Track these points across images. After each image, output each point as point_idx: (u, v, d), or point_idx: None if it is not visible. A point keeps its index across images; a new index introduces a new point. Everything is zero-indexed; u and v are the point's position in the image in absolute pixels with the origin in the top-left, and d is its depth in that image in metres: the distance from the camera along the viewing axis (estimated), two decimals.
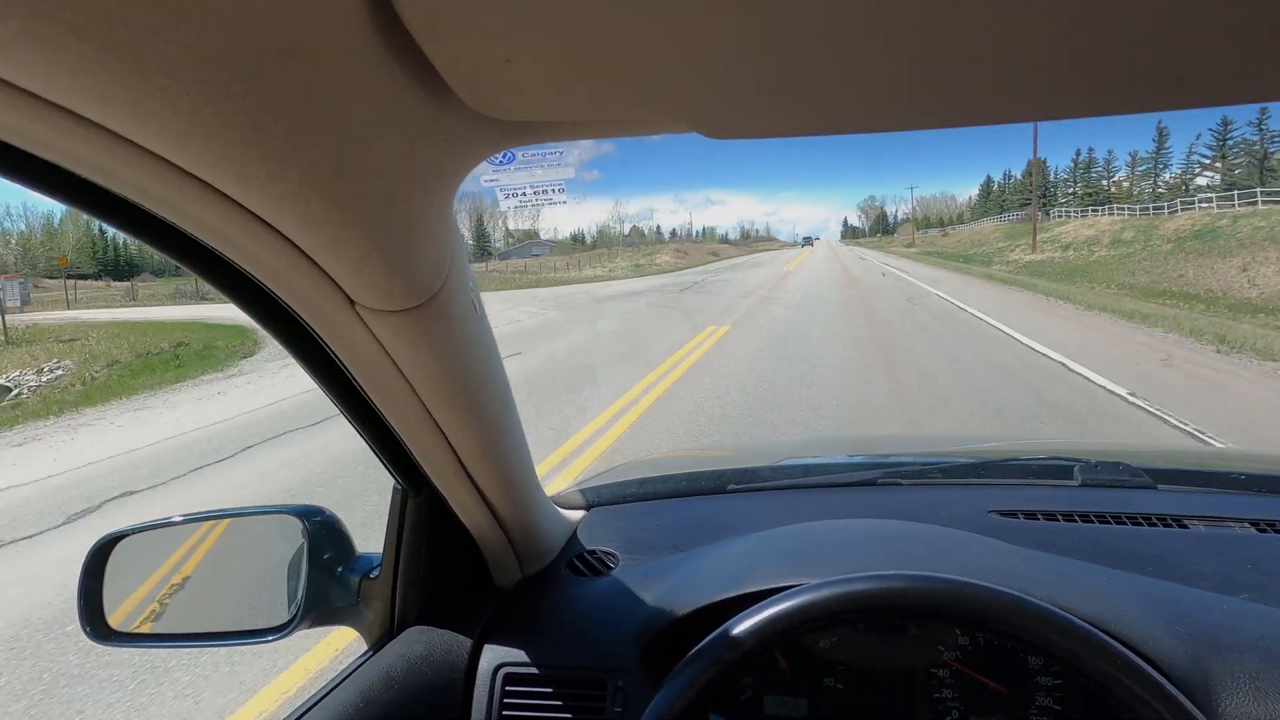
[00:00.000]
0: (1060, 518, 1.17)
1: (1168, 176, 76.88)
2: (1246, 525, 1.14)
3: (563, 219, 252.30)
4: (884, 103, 0.41)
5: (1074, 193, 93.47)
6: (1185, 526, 1.14)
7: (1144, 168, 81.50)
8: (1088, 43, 0.34)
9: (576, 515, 1.27)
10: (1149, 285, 25.96)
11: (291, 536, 0.92)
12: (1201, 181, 64.12)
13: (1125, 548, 1.07)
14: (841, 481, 1.40)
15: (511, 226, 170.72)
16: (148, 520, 0.95)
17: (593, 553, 1.15)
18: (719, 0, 0.32)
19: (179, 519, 0.96)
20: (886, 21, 0.33)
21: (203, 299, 35.24)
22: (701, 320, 13.53)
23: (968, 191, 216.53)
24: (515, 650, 0.95)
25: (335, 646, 3.03)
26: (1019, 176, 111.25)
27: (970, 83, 0.39)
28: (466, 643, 0.95)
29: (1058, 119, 0.43)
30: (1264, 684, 0.74)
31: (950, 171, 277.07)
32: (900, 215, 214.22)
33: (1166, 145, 78.38)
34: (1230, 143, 62.75)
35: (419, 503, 0.92)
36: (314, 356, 0.66)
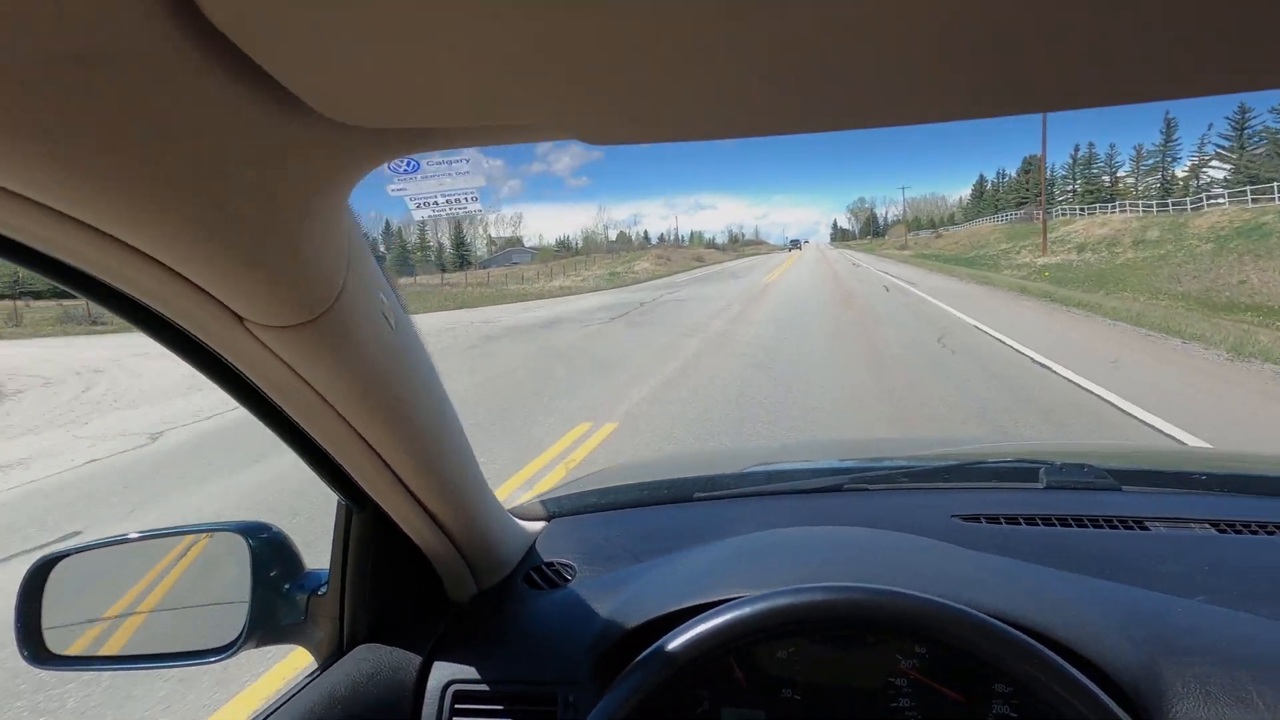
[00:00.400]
0: (1023, 521, 1.16)
1: (1178, 170, 72.41)
2: (1207, 526, 1.14)
3: (548, 225, 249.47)
4: (763, 106, 0.41)
5: (1073, 190, 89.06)
6: (1146, 528, 1.14)
7: (1150, 161, 77.06)
8: (964, 47, 0.34)
9: (536, 527, 1.25)
10: (1204, 294, 21.41)
11: (238, 554, 0.90)
12: (1217, 174, 59.64)
13: (1086, 550, 1.06)
14: (807, 488, 1.37)
15: (495, 234, 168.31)
16: (88, 541, 0.95)
17: (550, 565, 1.13)
18: (570, 4, 0.31)
19: (120, 539, 0.95)
20: (760, 25, 0.32)
21: (94, 323, 30.29)
22: (581, 404, 7.34)
23: (958, 192, 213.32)
24: (466, 666, 0.93)
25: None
26: (1014, 174, 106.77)
27: (824, 88, 0.38)
28: (416, 660, 0.94)
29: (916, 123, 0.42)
30: (1214, 688, 0.74)
31: (940, 172, 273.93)
32: (890, 217, 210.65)
33: (1175, 137, 73.86)
34: (1248, 131, 58.30)
35: (364, 518, 0.90)
36: (224, 375, 0.63)
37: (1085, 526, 1.15)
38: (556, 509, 1.33)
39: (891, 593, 0.73)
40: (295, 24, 0.33)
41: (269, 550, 0.90)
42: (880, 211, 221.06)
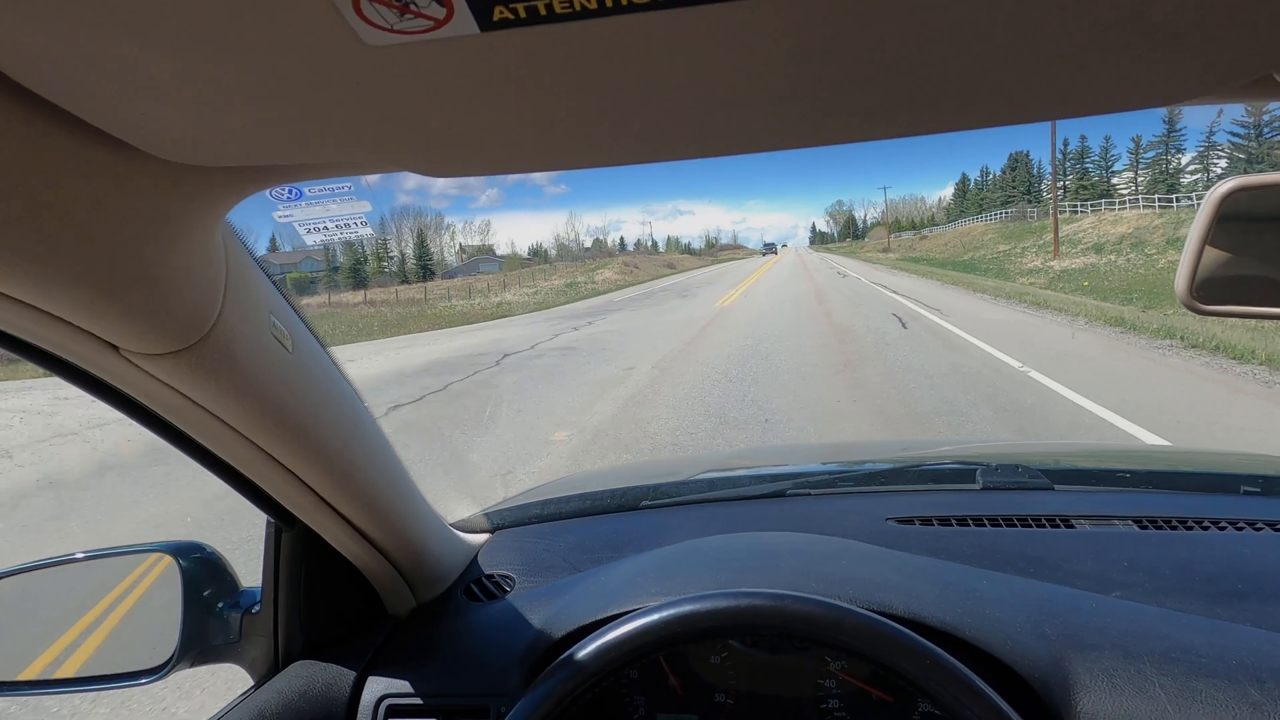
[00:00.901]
0: (955, 522, 1.18)
1: (1185, 161, 67.07)
2: (1130, 523, 1.16)
3: (520, 232, 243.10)
4: (591, 141, 0.43)
5: (1063, 186, 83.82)
6: (1073, 526, 1.16)
7: (1152, 154, 71.81)
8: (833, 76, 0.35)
9: (479, 539, 1.25)
10: None
11: (170, 574, 0.90)
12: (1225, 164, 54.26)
13: (1015, 550, 1.08)
14: (750, 494, 1.38)
15: (464, 241, 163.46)
16: (10, 566, 0.93)
17: (490, 577, 1.13)
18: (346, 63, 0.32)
19: (46, 562, 0.94)
20: (588, 63, 0.33)
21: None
22: None
23: (937, 193, 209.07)
24: (401, 681, 0.93)
25: None
26: (999, 172, 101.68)
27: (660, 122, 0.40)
28: (350, 675, 0.93)
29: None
30: (1119, 681, 0.76)
31: (919, 173, 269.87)
32: (869, 219, 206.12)
33: (1179, 127, 68.77)
34: (1267, 117, 53.09)
35: (294, 535, 0.90)
36: (119, 399, 0.63)
37: (1015, 526, 1.16)
38: (500, 521, 1.33)
39: (780, 596, 0.74)
40: (97, 74, 0.33)
41: (202, 570, 0.90)
42: (859, 214, 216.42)
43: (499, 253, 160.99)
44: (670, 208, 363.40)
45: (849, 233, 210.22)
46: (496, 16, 0.29)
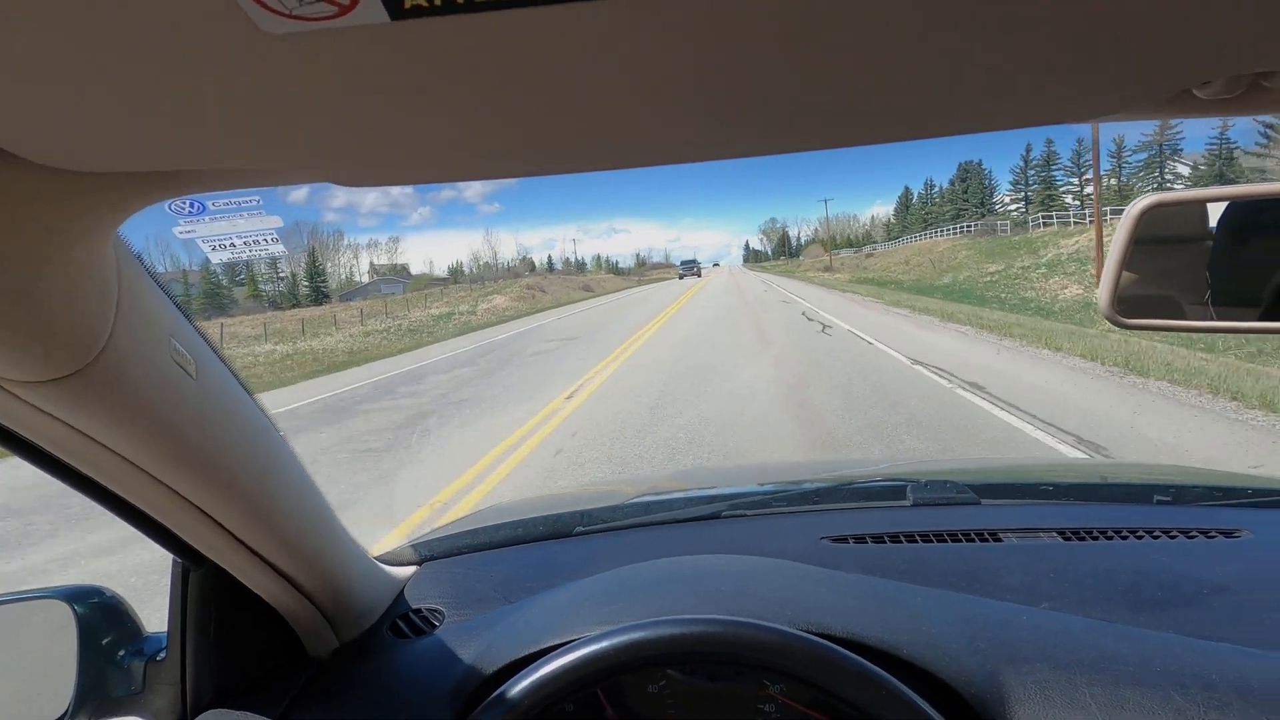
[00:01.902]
0: (888, 539, 1.19)
1: (1188, 164, 58.80)
2: (1054, 534, 1.17)
3: (451, 251, 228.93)
4: (519, 148, 0.41)
5: (1025, 197, 75.51)
6: (1000, 539, 1.17)
7: (1143, 156, 63.47)
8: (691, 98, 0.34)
9: (406, 572, 1.19)
10: None
11: (64, 622, 0.83)
12: (1257, 163, 45.64)
13: (944, 565, 1.08)
14: (685, 517, 1.35)
15: (376, 261, 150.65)
16: None
17: (418, 611, 1.08)
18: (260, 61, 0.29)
19: None
20: (489, 77, 0.32)
21: None
22: None
23: (869, 210, 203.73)
24: None
25: None
26: (946, 185, 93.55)
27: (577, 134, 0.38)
28: None
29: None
30: (1051, 692, 0.77)
31: (851, 190, 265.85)
32: (803, 237, 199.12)
33: (1174, 126, 60.66)
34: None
35: (203, 574, 0.84)
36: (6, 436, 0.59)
37: (945, 541, 1.17)
38: (429, 552, 1.27)
39: (728, 622, 0.74)
40: None
41: (100, 616, 0.85)
42: (793, 231, 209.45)
43: (415, 271, 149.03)
44: (605, 226, 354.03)
45: (783, 250, 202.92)
46: (408, 4, 0.27)
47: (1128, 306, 0.93)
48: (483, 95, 0.34)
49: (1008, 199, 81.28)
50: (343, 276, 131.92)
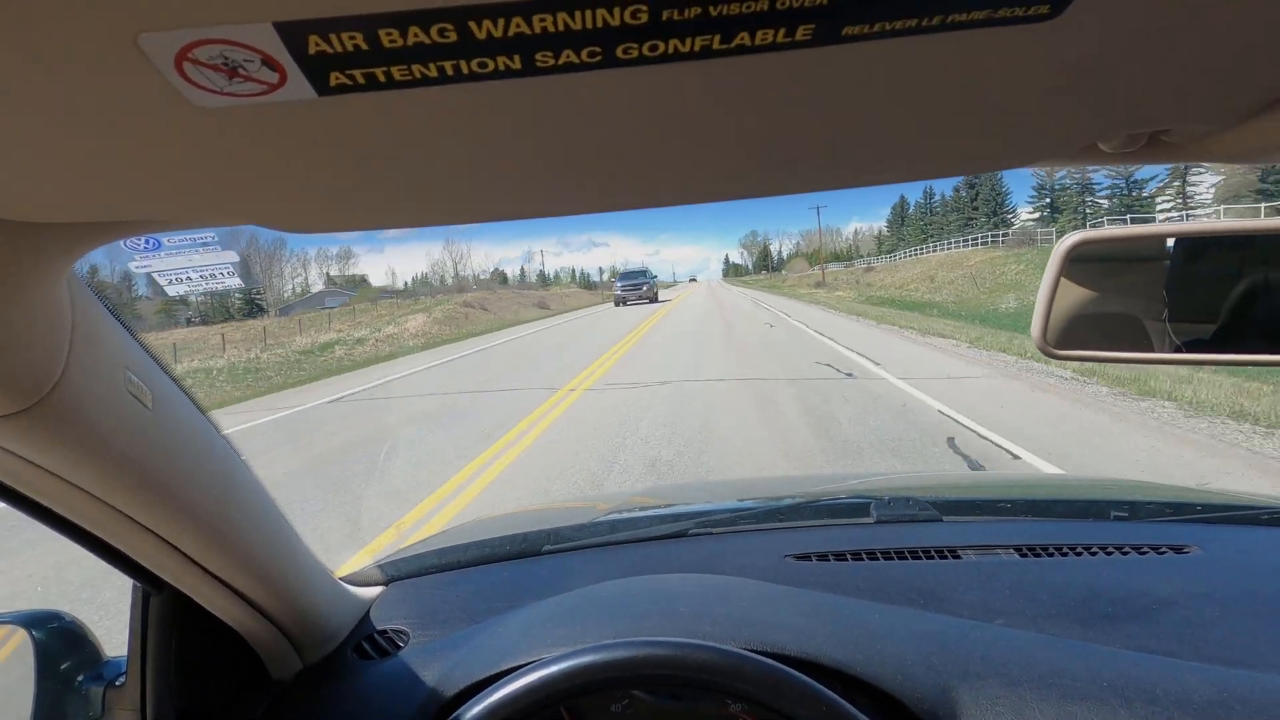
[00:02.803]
0: (850, 557, 1.19)
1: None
2: (1011, 551, 1.18)
3: (403, 263, 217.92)
4: (448, 199, 0.42)
5: (1050, 205, 66.14)
6: (959, 556, 1.17)
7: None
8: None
9: (372, 593, 1.18)
10: None
11: (20, 649, 0.81)
12: None
13: (905, 582, 1.09)
14: (651, 535, 1.36)
15: (334, 273, 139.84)
16: None
17: (383, 632, 1.07)
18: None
19: None
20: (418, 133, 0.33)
21: None
22: None
23: (852, 224, 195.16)
24: None
25: None
26: (950, 194, 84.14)
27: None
28: None
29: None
30: (1002, 707, 0.78)
31: (833, 205, 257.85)
32: (785, 251, 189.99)
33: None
34: None
35: (163, 599, 0.83)
36: None
37: (906, 559, 1.17)
38: (395, 572, 1.26)
39: (679, 645, 0.74)
40: None
41: (58, 641, 0.83)
42: (775, 245, 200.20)
43: (376, 283, 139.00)
44: (585, 239, 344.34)
45: (764, 265, 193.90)
46: (333, 83, 0.28)
47: (1058, 339, 0.95)
48: (411, 156, 0.35)
49: (1025, 212, 72.23)
50: (293, 289, 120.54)
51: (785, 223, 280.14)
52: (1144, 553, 1.16)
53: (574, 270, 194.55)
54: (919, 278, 44.46)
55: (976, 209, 76.11)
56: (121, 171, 0.35)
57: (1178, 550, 1.17)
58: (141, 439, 0.62)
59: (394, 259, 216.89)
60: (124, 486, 0.62)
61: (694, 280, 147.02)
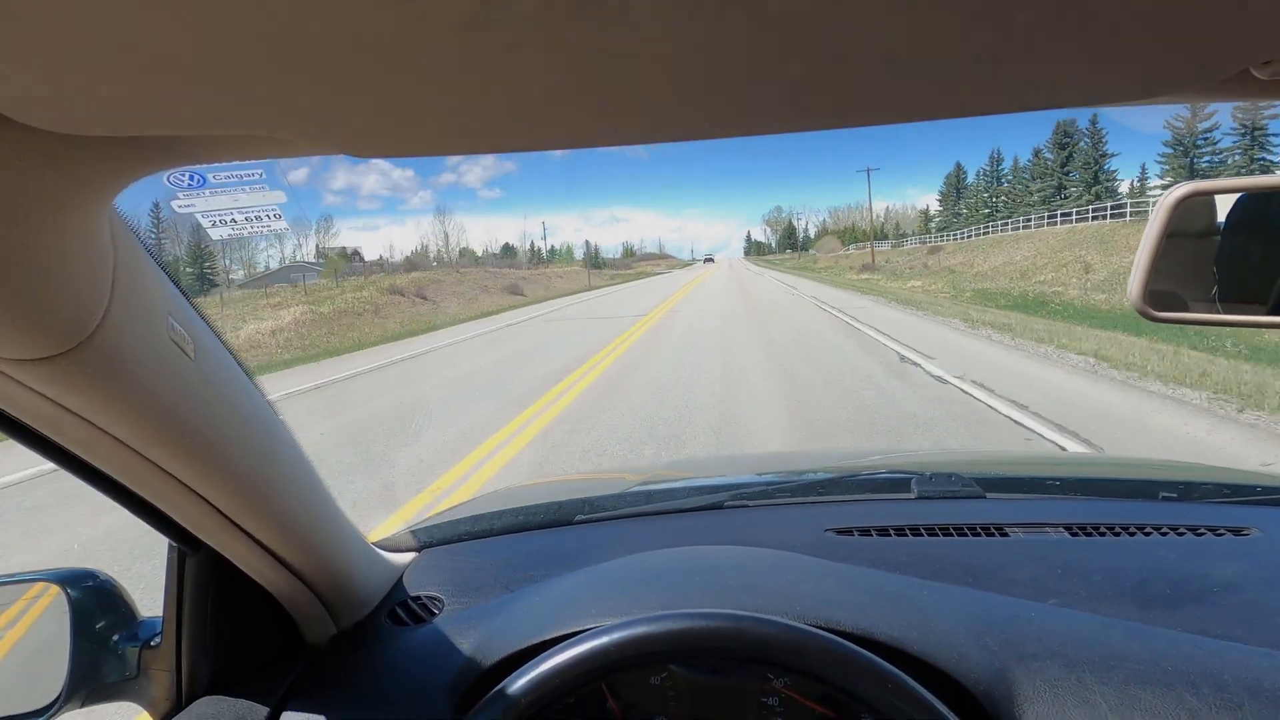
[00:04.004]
0: (893, 532, 1.16)
1: None
2: (1061, 530, 1.15)
3: (402, 238, 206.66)
4: (525, 121, 0.39)
5: (1190, 163, 51.78)
6: (1006, 534, 1.14)
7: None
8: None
9: (405, 559, 1.16)
10: None
11: (57, 606, 0.82)
12: None
13: (950, 559, 1.06)
14: (687, 507, 1.32)
15: (324, 245, 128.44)
16: None
17: (417, 599, 1.05)
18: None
19: None
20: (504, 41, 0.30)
21: None
22: None
23: (885, 202, 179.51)
24: (318, 715, 0.86)
25: None
26: (1029, 158, 69.30)
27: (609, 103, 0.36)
28: (263, 711, 0.86)
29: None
30: (1062, 690, 0.75)
31: (862, 180, 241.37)
32: (810, 230, 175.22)
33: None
34: None
35: (199, 560, 0.82)
36: None
37: (950, 535, 1.14)
38: (428, 539, 1.24)
39: (739, 618, 0.71)
40: None
41: (93, 600, 0.83)
42: (799, 223, 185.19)
43: (370, 257, 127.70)
44: (606, 214, 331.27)
45: (788, 242, 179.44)
46: None
47: (1159, 300, 0.88)
48: (490, 66, 0.32)
49: (1152, 177, 57.82)
50: (267, 262, 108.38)
51: (811, 199, 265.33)
52: (1200, 534, 1.12)
53: (588, 244, 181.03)
54: (1033, 260, 30.79)
55: (1067, 170, 61.37)
56: (180, 68, 0.32)
57: (1236, 532, 1.12)
58: (184, 390, 0.59)
59: (394, 235, 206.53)
60: (164, 438, 0.60)
61: (710, 260, 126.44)
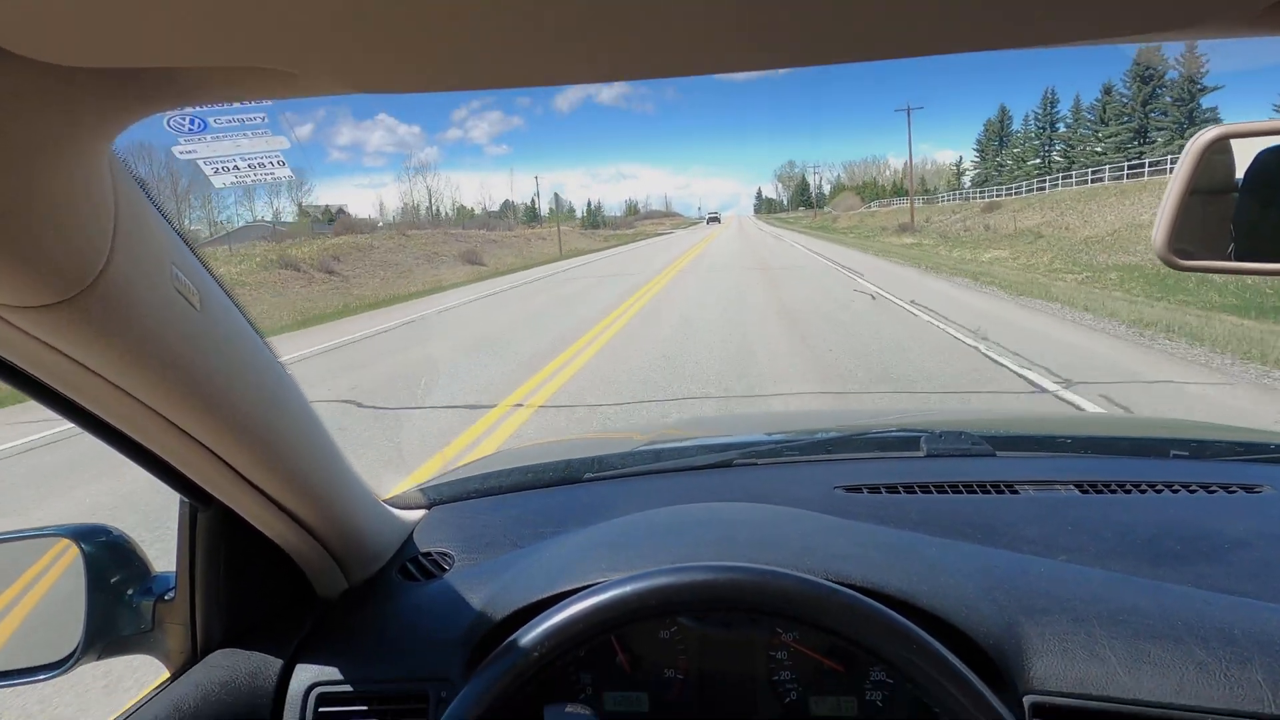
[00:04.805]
0: (902, 489, 1.16)
1: None
2: (1071, 487, 1.15)
3: (401, 197, 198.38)
4: (528, 55, 0.37)
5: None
6: (1016, 491, 1.14)
7: None
8: None
9: (415, 516, 1.16)
10: None
11: (72, 560, 0.83)
12: None
13: (960, 516, 1.06)
14: (696, 465, 1.31)
15: (306, 202, 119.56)
16: None
17: (428, 555, 1.06)
18: None
19: None
20: None
21: None
22: None
23: (901, 157, 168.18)
24: (332, 668, 0.87)
25: None
26: (1097, 96, 58.53)
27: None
28: (277, 663, 0.87)
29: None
30: (1071, 644, 0.75)
31: (879, 132, 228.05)
32: (824, 187, 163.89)
33: None
34: None
35: (210, 515, 0.83)
36: None
37: (960, 492, 1.14)
38: (437, 496, 1.24)
39: (760, 572, 0.70)
40: None
41: (107, 555, 0.83)
42: (812, 179, 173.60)
43: (357, 216, 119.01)
44: (614, 171, 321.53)
45: (801, 199, 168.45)
46: None
47: (1185, 248, 0.85)
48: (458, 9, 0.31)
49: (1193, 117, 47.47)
50: (234, 218, 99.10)
51: (826, 153, 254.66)
52: (1213, 491, 1.11)
53: (590, 203, 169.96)
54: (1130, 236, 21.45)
55: (1148, 110, 50.80)
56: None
57: (1249, 489, 1.12)
58: (189, 340, 0.58)
59: (398, 193, 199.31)
60: (169, 390, 0.59)
61: (714, 219, 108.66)
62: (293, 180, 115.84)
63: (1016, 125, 72.31)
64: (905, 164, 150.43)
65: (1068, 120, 63.37)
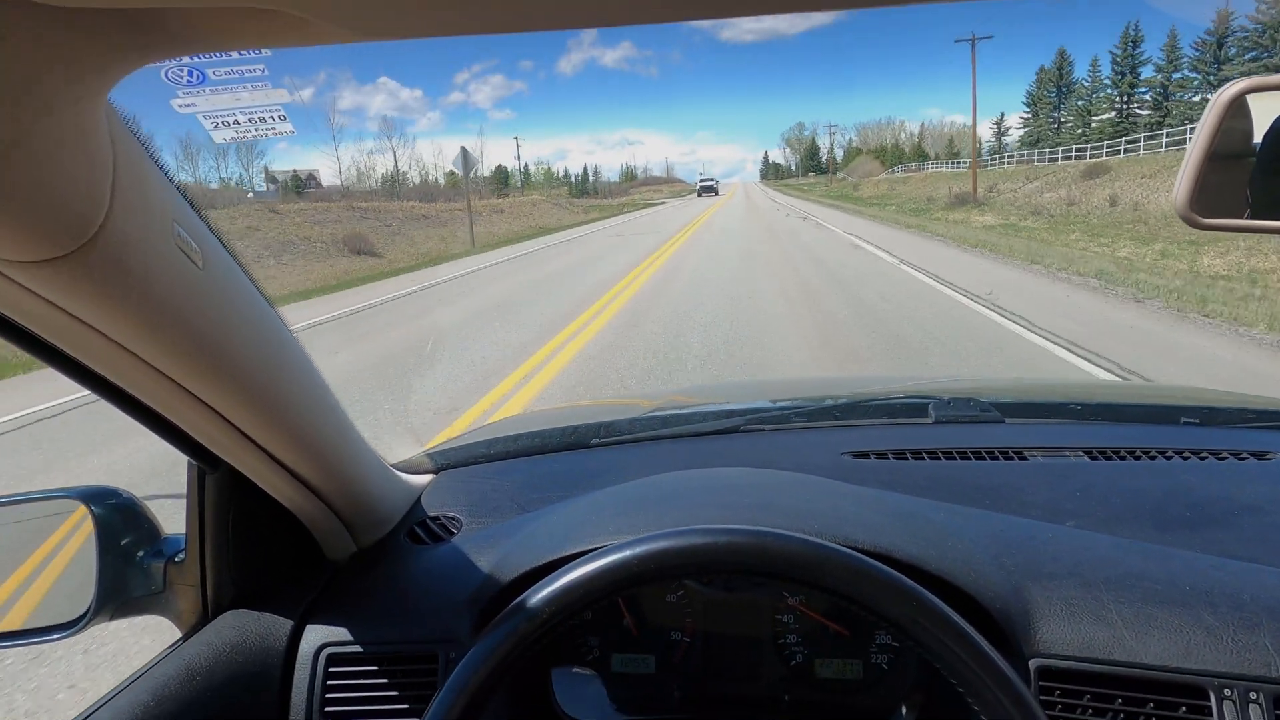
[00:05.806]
0: (910, 456, 1.15)
1: None
2: (1080, 454, 1.14)
3: (403, 161, 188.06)
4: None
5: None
6: (1025, 458, 1.13)
7: None
8: None
9: (423, 480, 1.16)
10: None
11: (82, 522, 0.84)
12: None
13: (968, 482, 1.06)
14: (703, 430, 1.30)
15: (276, 167, 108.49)
16: None
17: (435, 518, 1.06)
18: None
19: None
20: None
21: None
22: None
23: (915, 121, 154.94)
24: (341, 629, 0.88)
25: None
26: (1212, 24, 46.29)
27: None
28: (287, 624, 0.88)
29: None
30: (1078, 609, 0.76)
31: (895, 90, 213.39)
32: (837, 150, 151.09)
33: None
34: None
35: (219, 477, 0.83)
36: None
37: (969, 458, 1.13)
38: (445, 461, 1.24)
39: (760, 534, 0.68)
40: None
41: (117, 517, 0.84)
42: (823, 143, 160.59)
43: (327, 182, 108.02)
44: (619, 136, 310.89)
45: (811, 164, 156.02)
46: None
47: (1207, 205, 0.82)
48: None
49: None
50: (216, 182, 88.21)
51: (833, 114, 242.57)
52: (1223, 458, 1.10)
53: (587, 168, 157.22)
54: None
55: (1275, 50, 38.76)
56: None
57: (1259, 456, 1.11)
58: (192, 299, 0.57)
59: (401, 158, 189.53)
60: (172, 348, 0.58)
61: (711, 189, 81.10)
62: (245, 146, 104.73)
63: (1081, 75, 60.06)
64: (920, 127, 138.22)
65: (1152, 62, 51.36)
